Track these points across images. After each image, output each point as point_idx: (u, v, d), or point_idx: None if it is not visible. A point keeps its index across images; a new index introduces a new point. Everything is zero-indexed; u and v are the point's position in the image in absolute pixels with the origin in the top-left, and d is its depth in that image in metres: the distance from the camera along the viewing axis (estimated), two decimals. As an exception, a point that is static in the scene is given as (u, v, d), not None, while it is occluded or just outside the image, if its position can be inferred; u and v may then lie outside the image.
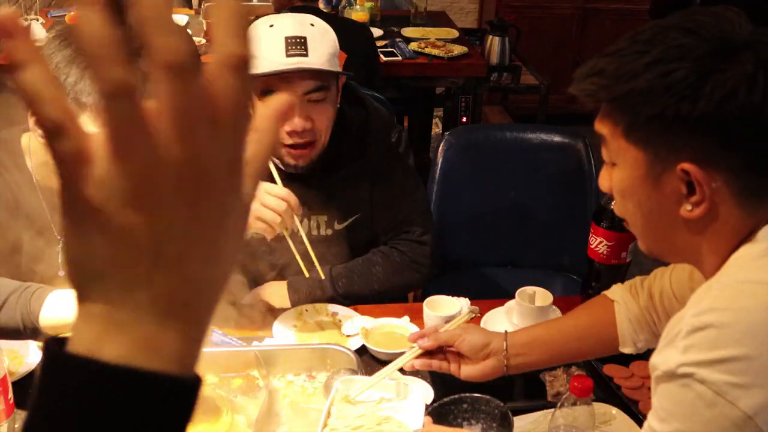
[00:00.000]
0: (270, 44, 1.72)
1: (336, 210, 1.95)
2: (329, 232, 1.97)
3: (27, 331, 1.48)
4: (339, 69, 1.82)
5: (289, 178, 1.86)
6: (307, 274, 1.81)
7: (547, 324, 1.60)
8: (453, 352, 1.53)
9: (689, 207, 1.06)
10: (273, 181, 1.76)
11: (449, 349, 1.54)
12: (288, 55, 1.72)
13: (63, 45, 1.59)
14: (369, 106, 2.01)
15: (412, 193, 2.04)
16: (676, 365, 0.99)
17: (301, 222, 1.88)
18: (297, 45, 1.73)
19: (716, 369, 0.96)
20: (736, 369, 0.95)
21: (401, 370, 1.56)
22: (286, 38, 1.72)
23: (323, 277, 1.83)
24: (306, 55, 1.73)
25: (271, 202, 1.67)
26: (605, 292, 1.56)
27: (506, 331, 1.53)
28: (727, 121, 1.00)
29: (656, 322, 1.45)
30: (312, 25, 1.79)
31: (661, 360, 1.02)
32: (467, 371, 1.51)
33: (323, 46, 1.77)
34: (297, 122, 1.77)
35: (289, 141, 1.80)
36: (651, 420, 1.05)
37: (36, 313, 1.48)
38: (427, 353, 1.55)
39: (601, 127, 1.12)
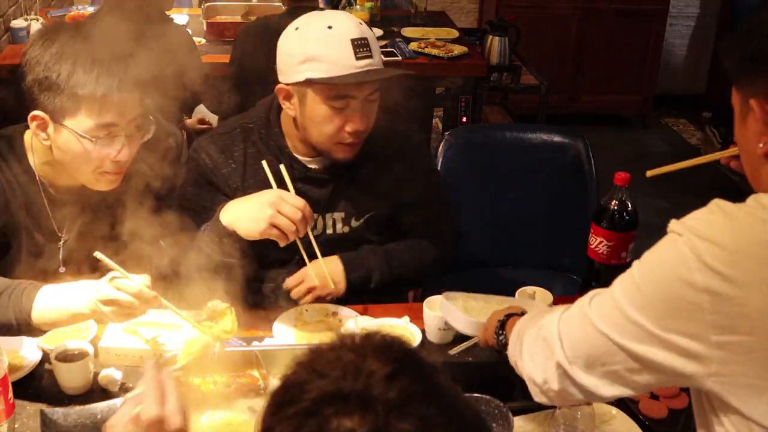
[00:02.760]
0: (337, 47, 1.73)
1: (352, 207, 1.96)
2: (346, 229, 1.98)
3: (20, 326, 1.51)
4: None
5: (306, 177, 1.89)
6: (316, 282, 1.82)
7: None
8: None
9: (761, 144, 1.14)
10: (286, 187, 1.77)
11: None
12: (358, 58, 1.73)
13: (49, 43, 1.59)
14: (390, 106, 2.01)
15: (435, 190, 2.07)
16: (678, 223, 1.11)
17: (317, 220, 1.92)
18: (363, 47, 1.74)
19: (705, 244, 1.06)
20: (718, 254, 1.05)
21: None
22: (352, 41, 1.73)
23: (332, 286, 1.84)
24: (372, 57, 1.75)
25: (287, 211, 1.68)
26: None
27: None
28: None
29: None
30: (360, 23, 1.80)
31: (676, 220, 1.12)
32: None
33: (377, 45, 1.80)
34: (359, 122, 1.79)
35: (348, 140, 1.81)
36: (634, 261, 1.18)
37: (28, 309, 1.50)
38: None
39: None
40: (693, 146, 5.61)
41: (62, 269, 1.80)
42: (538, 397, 1.30)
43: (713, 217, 1.09)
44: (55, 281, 1.77)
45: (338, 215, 1.96)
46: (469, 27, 5.46)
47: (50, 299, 1.51)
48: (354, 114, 1.78)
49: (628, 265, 1.85)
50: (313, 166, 1.91)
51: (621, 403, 1.60)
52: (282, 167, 1.80)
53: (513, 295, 1.83)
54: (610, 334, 1.14)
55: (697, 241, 1.07)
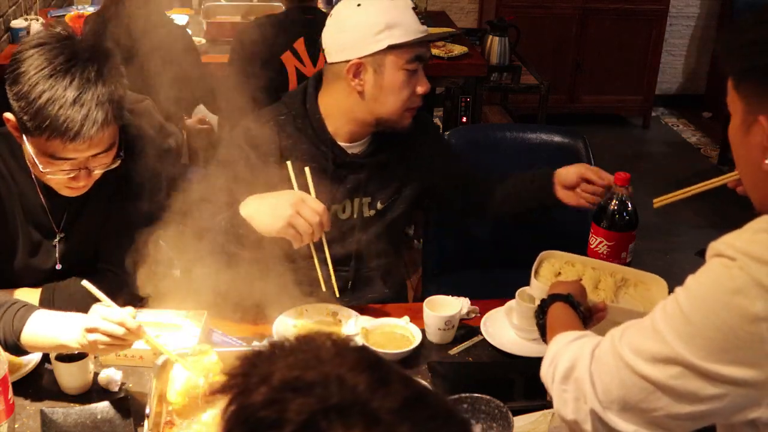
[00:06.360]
0: (407, 14, 1.85)
1: (379, 191, 2.02)
2: (372, 213, 2.03)
3: (8, 346, 1.51)
4: None
5: (345, 163, 1.95)
6: (324, 288, 1.83)
7: None
8: None
9: (767, 160, 1.09)
10: (309, 188, 1.79)
11: None
12: (421, 23, 1.87)
13: (30, 58, 1.55)
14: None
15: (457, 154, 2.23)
16: (727, 246, 1.03)
17: (347, 204, 1.98)
18: (418, 14, 1.87)
19: (762, 268, 0.99)
20: None
21: None
22: (413, 9, 1.87)
23: (338, 295, 1.85)
24: (425, 24, 1.89)
25: (306, 213, 1.69)
26: None
27: None
28: None
29: None
30: None
31: (720, 242, 1.06)
32: None
33: None
34: (426, 84, 1.90)
35: (417, 103, 1.92)
36: (677, 288, 1.10)
37: (18, 331, 1.50)
38: None
39: (728, 81, 1.16)
40: (693, 146, 5.61)
41: (59, 266, 1.80)
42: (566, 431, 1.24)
43: (765, 238, 1.02)
44: (51, 279, 1.78)
45: (366, 200, 2.01)
46: (469, 27, 5.45)
47: (40, 326, 1.51)
48: (422, 76, 1.90)
49: (627, 265, 1.87)
50: (352, 151, 1.96)
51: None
52: (307, 169, 1.80)
53: (513, 296, 1.83)
54: (651, 375, 1.07)
55: (754, 265, 1.00)
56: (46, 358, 1.65)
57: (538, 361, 1.72)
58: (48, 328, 1.51)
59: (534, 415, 1.55)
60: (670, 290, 1.76)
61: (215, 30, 4.02)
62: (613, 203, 1.83)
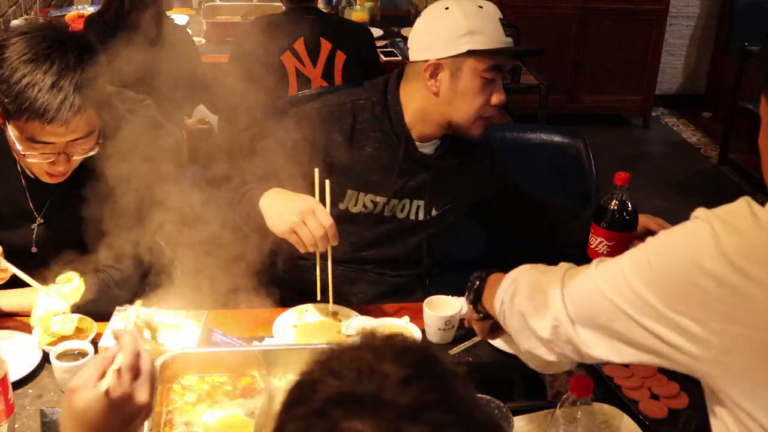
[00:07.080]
0: (493, 23, 1.85)
1: (436, 197, 2.03)
2: (425, 217, 2.04)
3: None
4: None
5: (414, 159, 1.95)
6: (319, 298, 1.84)
7: None
8: None
9: None
10: (329, 199, 1.79)
11: None
12: (506, 35, 1.87)
13: (15, 44, 1.61)
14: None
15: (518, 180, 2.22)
16: (706, 213, 1.09)
17: (403, 203, 2.00)
18: (507, 26, 1.88)
19: (730, 233, 1.05)
20: (738, 244, 1.03)
21: None
22: (500, 19, 1.87)
23: (330, 310, 1.86)
24: (511, 37, 1.88)
25: (312, 224, 1.69)
26: None
27: None
28: None
29: None
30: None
31: (704, 209, 1.11)
32: None
33: None
34: (503, 94, 1.90)
35: (489, 112, 1.91)
36: (649, 237, 1.19)
37: None
38: None
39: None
40: (693, 146, 5.61)
41: (34, 249, 1.85)
42: (525, 342, 1.31)
43: (741, 210, 1.07)
44: (27, 261, 1.79)
45: (422, 203, 2.02)
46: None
47: None
48: (498, 87, 1.89)
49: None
50: (423, 150, 1.97)
51: (621, 404, 1.60)
52: (327, 183, 1.79)
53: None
54: (616, 300, 1.15)
55: (719, 228, 1.06)
56: (46, 358, 1.65)
57: (538, 361, 1.73)
58: None
59: (534, 415, 1.55)
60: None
61: (215, 30, 4.03)
62: (613, 203, 1.83)
